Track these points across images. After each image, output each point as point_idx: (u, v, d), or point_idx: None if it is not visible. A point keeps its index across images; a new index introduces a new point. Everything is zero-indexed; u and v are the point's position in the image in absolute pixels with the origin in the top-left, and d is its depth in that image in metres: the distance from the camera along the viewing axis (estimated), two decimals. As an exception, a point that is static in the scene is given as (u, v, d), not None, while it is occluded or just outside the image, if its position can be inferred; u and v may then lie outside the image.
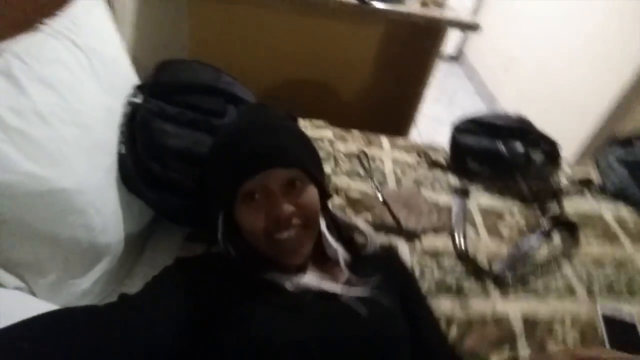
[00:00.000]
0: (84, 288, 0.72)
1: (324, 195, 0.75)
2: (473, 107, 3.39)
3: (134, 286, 0.66)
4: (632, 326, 0.96)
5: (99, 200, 0.72)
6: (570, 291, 1.03)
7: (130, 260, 0.84)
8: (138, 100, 0.90)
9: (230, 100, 0.99)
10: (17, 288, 0.65)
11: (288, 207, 0.63)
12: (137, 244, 0.85)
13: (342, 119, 1.50)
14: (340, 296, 0.66)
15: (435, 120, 3.01)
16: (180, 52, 1.70)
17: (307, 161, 0.70)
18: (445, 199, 1.24)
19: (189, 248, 0.91)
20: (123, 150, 0.81)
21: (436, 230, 1.12)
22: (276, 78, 1.96)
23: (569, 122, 2.30)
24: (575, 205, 1.32)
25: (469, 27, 1.67)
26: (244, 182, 0.64)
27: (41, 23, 0.78)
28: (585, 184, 1.40)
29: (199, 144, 0.86)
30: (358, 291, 0.67)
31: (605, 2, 2.26)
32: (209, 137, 0.89)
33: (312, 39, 1.91)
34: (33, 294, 0.67)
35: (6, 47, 0.69)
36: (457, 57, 4.23)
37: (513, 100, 3.07)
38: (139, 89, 0.93)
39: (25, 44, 0.72)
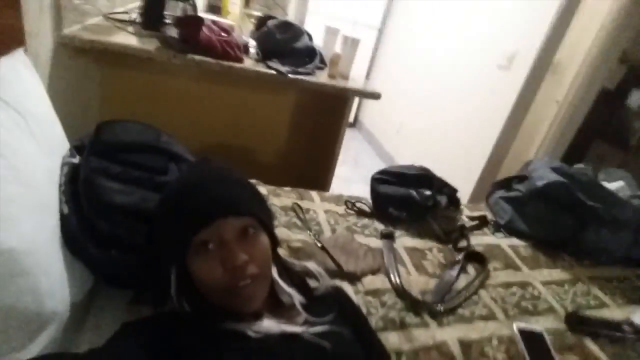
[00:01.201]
0: (25, 362, 0.62)
1: (274, 243, 0.79)
2: (376, 166, 3.69)
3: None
4: (540, 334, 1.13)
5: (46, 262, 0.66)
6: (491, 314, 1.18)
7: (74, 328, 0.75)
8: (75, 160, 0.86)
9: (171, 158, 1.01)
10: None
11: (243, 256, 0.65)
12: (80, 309, 0.77)
13: (264, 180, 1.56)
14: (301, 336, 0.68)
15: (345, 180, 3.25)
16: (94, 119, 1.64)
17: (258, 210, 0.73)
18: (375, 242, 1.35)
19: (135, 311, 0.85)
20: (66, 211, 0.76)
21: (373, 271, 1.21)
22: (196, 143, 1.97)
23: (458, 172, 2.71)
24: (478, 240, 1.54)
25: (371, 96, 1.93)
26: (198, 232, 0.65)
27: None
28: (482, 221, 1.65)
29: (146, 201, 0.85)
30: (318, 328, 0.70)
31: (471, 72, 2.81)
32: (154, 194, 0.88)
33: (229, 107, 1.99)
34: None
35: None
36: (354, 123, 4.70)
37: (409, 159, 3.49)
38: (76, 150, 0.90)
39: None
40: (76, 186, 0.80)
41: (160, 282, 0.72)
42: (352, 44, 1.89)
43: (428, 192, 1.49)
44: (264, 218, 0.72)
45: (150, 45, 1.49)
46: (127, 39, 1.48)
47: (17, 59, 0.91)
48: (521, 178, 1.70)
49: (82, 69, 1.52)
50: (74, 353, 0.54)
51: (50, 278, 0.67)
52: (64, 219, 0.76)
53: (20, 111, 0.78)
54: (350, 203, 1.53)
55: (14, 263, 0.60)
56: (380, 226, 1.46)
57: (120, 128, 0.94)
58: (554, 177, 1.57)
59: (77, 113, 1.44)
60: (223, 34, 1.64)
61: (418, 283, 1.23)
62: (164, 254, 0.72)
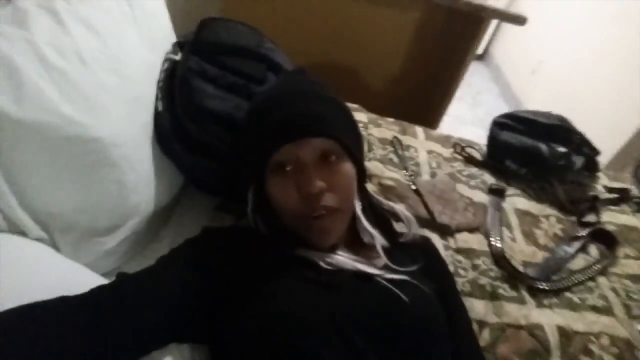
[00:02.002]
0: (109, 247, 0.67)
1: (362, 175, 0.69)
2: (497, 109, 3.30)
3: (158, 251, 0.61)
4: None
5: (133, 156, 0.67)
6: (607, 307, 0.97)
7: (157, 223, 0.79)
8: (177, 57, 0.84)
9: (271, 67, 0.93)
10: (39, 239, 0.60)
11: (319, 183, 0.58)
12: (165, 208, 0.80)
13: (368, 107, 1.43)
14: (376, 279, 0.61)
15: (457, 119, 2.94)
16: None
17: (345, 134, 0.63)
18: (480, 196, 1.18)
19: (218, 218, 0.87)
20: (160, 108, 0.75)
21: (471, 228, 1.07)
22: (305, 58, 1.89)
23: (601, 131, 2.22)
24: (611, 217, 1.26)
25: (514, 20, 1.59)
26: (275, 151, 0.59)
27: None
28: (622, 195, 1.33)
29: (239, 110, 0.80)
30: (397, 276, 0.62)
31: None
32: (247, 103, 0.83)
33: (346, 21, 1.84)
34: (55, 247, 0.62)
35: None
36: (483, 56, 4.13)
37: (540, 106, 2.97)
38: (179, 46, 0.87)
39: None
40: (173, 84, 0.78)
41: (241, 196, 0.69)
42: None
43: (562, 149, 1.22)
44: (351, 144, 0.63)
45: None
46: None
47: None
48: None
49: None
50: (119, 279, 0.55)
51: (138, 174, 0.68)
52: (158, 115, 0.75)
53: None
54: (459, 146, 1.34)
55: (102, 153, 0.61)
56: (490, 179, 1.26)
57: (222, 28, 0.88)
58: None
59: (199, 11, 1.44)
60: None
61: (523, 253, 1.06)
62: (243, 171, 0.68)
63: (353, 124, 0.71)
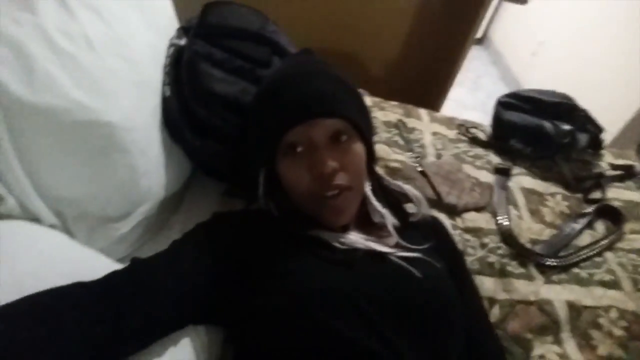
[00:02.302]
0: (122, 233, 0.67)
1: (371, 156, 0.69)
2: (498, 92, 3.25)
3: (170, 237, 0.62)
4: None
5: (144, 141, 0.67)
6: (615, 281, 0.98)
7: (168, 209, 0.79)
8: (182, 42, 0.83)
9: (275, 50, 0.93)
10: (53, 226, 0.60)
11: (332, 163, 0.58)
12: (176, 193, 0.80)
13: (369, 93, 1.42)
14: (389, 257, 0.61)
15: (458, 103, 2.93)
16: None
17: (355, 114, 0.63)
18: (486, 176, 1.18)
19: (227, 203, 0.87)
20: (168, 93, 0.75)
21: (478, 208, 1.07)
22: (304, 44, 1.87)
23: (603, 111, 2.21)
24: (617, 194, 1.26)
25: (516, 0, 1.57)
26: (286, 132, 0.59)
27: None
28: (627, 172, 1.33)
29: (245, 93, 0.80)
30: (409, 254, 0.62)
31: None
32: (254, 87, 0.83)
33: (345, 5, 1.82)
34: (70, 233, 0.62)
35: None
36: (481, 40, 4.10)
37: (541, 87, 2.98)
38: (183, 31, 0.86)
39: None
40: (180, 69, 0.77)
41: (251, 180, 0.69)
42: None
43: (567, 127, 1.22)
44: (361, 124, 0.63)
45: None
46: None
47: None
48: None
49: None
50: (133, 264, 0.55)
51: (148, 159, 0.68)
52: (165, 101, 0.75)
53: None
54: (464, 127, 1.34)
55: (113, 138, 0.61)
56: (495, 159, 1.26)
57: (227, 11, 0.88)
58: None
59: None
60: None
61: (530, 230, 1.06)
62: (254, 153, 0.68)
63: (363, 104, 0.71)
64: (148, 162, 0.68)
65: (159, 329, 0.52)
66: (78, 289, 0.47)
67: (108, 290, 0.48)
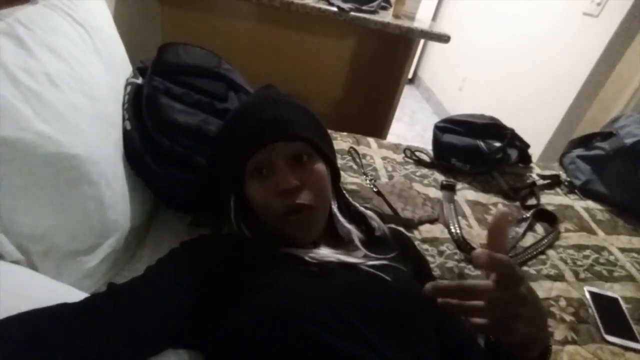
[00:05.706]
0: (90, 266, 0.65)
1: (336, 176, 0.74)
2: (432, 125, 3.56)
3: (137, 270, 0.61)
4: (615, 299, 1.03)
5: (109, 174, 0.67)
6: (560, 274, 1.08)
7: (134, 242, 0.78)
8: (139, 81, 0.86)
9: (231, 86, 0.98)
10: (16, 261, 0.57)
11: (293, 181, 0.62)
12: (141, 225, 0.79)
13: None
14: (359, 266, 0.65)
15: (399, 137, 3.13)
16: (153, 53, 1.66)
17: (314, 135, 0.68)
18: (435, 192, 1.28)
19: (193, 234, 0.86)
20: (129, 127, 0.76)
21: (431, 220, 1.15)
22: (257, 86, 1.95)
23: (526, 132, 2.48)
24: (549, 199, 1.41)
25: (439, 39, 1.77)
26: (250, 157, 0.63)
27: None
28: (554, 181, 1.50)
29: (207, 124, 0.83)
30: (377, 262, 0.66)
31: (551, 19, 2.50)
32: (215, 118, 0.86)
33: (288, 51, 1.94)
34: (35, 269, 0.59)
35: (6, 13, 0.65)
36: (413, 80, 4.47)
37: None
38: (139, 71, 0.89)
39: (25, 12, 0.68)
40: (139, 105, 0.79)
41: (220, 206, 0.71)
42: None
43: (498, 144, 1.36)
44: (321, 145, 0.68)
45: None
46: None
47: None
48: (605, 135, 1.51)
49: (144, 7, 1.52)
50: (112, 287, 0.55)
51: (114, 191, 0.68)
52: (126, 134, 0.76)
53: (86, 27, 0.78)
54: (409, 151, 1.45)
55: (80, 170, 0.60)
56: (440, 177, 1.37)
57: (183, 50, 0.92)
58: (646, 135, 1.37)
59: (138, 46, 1.46)
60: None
61: (479, 236, 1.15)
62: (223, 179, 0.71)
63: (322, 127, 0.75)
64: (114, 194, 0.68)
65: (138, 350, 0.50)
66: (59, 308, 0.46)
67: (89, 310, 0.48)
